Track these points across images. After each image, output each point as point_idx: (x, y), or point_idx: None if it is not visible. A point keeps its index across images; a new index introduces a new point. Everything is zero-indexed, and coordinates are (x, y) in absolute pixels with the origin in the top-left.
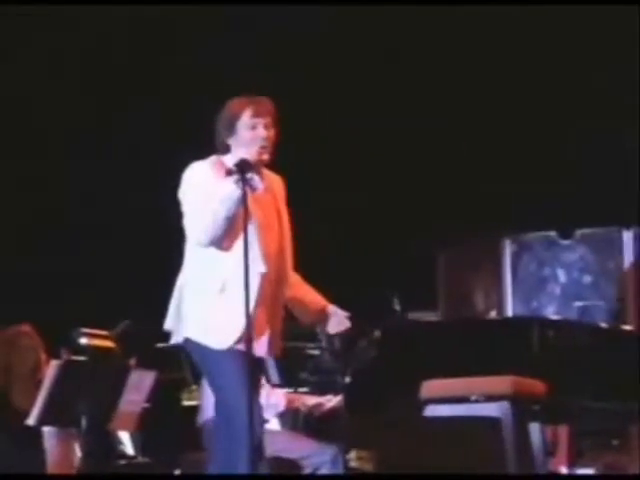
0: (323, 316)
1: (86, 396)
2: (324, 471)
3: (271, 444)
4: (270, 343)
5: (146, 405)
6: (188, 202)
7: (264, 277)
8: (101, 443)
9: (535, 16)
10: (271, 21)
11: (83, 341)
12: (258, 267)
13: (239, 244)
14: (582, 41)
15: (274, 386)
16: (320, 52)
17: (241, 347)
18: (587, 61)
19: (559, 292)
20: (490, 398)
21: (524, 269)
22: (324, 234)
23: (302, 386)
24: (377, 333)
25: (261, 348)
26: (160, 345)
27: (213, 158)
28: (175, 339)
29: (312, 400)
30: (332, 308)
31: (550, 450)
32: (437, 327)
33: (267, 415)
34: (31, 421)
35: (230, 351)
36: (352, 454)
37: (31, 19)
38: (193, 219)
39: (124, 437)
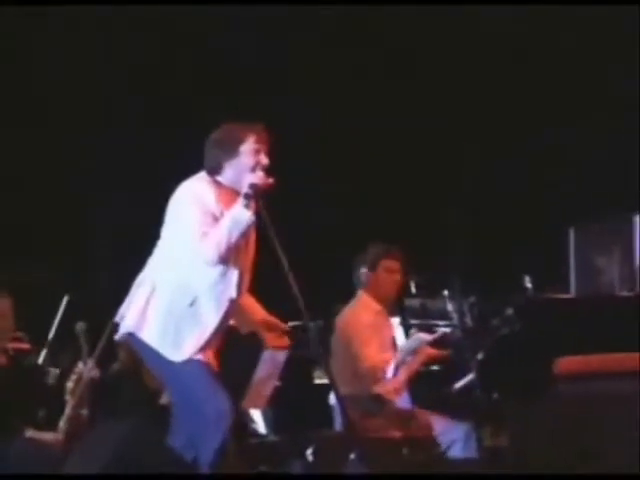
0: (262, 328)
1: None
2: (457, 448)
3: (404, 422)
4: None
5: (278, 383)
6: (191, 219)
7: (232, 302)
8: (233, 421)
9: (535, 16)
10: (270, 22)
11: None
12: (231, 292)
13: (219, 266)
14: (582, 41)
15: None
16: (319, 55)
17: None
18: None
19: None
20: (625, 374)
21: None
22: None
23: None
24: (509, 311)
25: None
26: (292, 324)
27: (206, 177)
28: (125, 335)
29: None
30: (272, 321)
31: None
32: (570, 304)
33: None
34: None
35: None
36: (484, 432)
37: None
38: (200, 237)
39: (256, 415)
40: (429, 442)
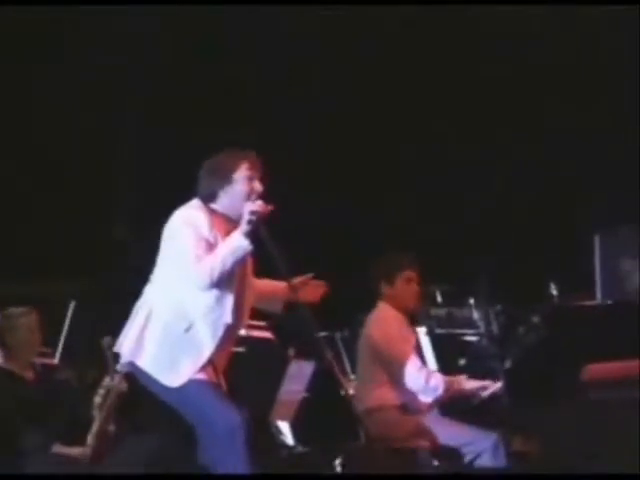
0: (291, 292)
1: (246, 387)
2: (485, 458)
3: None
4: None
5: (305, 395)
6: (185, 243)
7: (228, 328)
8: (261, 433)
9: (535, 17)
10: (269, 24)
11: (242, 332)
12: (226, 318)
13: (214, 292)
14: (583, 41)
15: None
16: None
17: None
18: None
19: None
20: None
21: None
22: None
23: (460, 373)
24: (535, 318)
25: None
26: (319, 335)
27: (199, 204)
28: (125, 364)
29: (471, 384)
30: (298, 281)
31: None
32: (596, 311)
33: (426, 398)
34: None
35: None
36: (514, 440)
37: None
38: (193, 261)
39: (284, 427)
40: (454, 451)
